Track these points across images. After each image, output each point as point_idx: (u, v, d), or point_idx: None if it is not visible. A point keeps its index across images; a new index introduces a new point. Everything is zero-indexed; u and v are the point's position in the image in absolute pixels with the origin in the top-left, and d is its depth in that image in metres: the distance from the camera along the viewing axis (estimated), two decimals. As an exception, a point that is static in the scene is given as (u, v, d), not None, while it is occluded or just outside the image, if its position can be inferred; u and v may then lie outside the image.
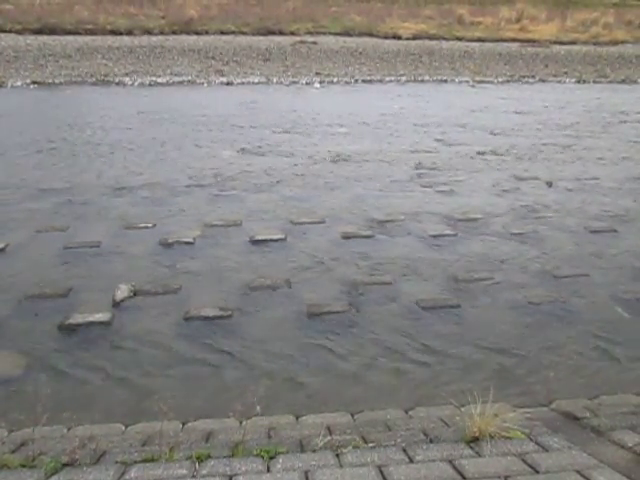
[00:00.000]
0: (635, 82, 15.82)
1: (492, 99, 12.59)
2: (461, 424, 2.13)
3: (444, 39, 22.09)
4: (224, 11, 22.07)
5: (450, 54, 20.39)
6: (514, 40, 22.28)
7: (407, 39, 21.68)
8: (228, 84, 14.35)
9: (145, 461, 1.94)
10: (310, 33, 21.56)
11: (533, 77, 16.68)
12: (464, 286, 3.72)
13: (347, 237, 4.51)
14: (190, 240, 4.38)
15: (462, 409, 2.38)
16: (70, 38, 18.66)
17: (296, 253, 4.19)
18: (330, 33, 21.70)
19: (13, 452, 2.08)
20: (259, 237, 4.46)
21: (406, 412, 2.45)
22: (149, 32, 20.31)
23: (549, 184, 6.11)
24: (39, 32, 18.79)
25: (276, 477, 1.84)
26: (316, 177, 6.25)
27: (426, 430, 2.16)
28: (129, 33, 20.06)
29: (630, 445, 2.04)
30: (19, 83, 12.64)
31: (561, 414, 2.39)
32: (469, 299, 3.55)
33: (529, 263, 4.10)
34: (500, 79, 16.15)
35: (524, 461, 1.94)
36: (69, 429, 2.35)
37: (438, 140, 8.25)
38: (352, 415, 2.43)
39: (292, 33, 21.40)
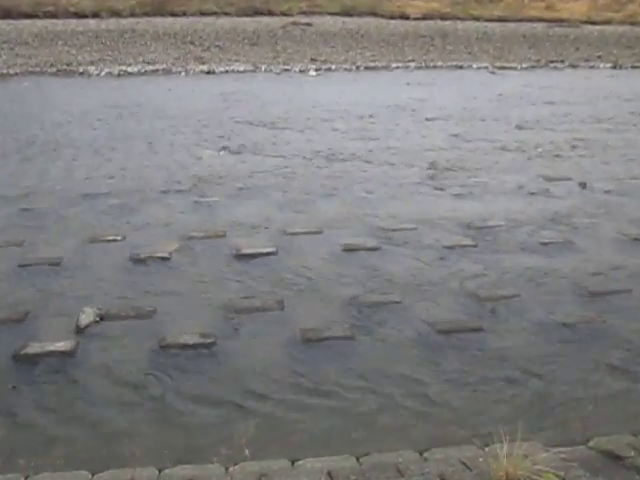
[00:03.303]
0: (680, 67, 15.97)
1: (515, 88, 12.68)
2: (485, 467, 2.12)
3: (459, 19, 22.32)
4: (204, -11, 22.31)
5: (466, 36, 20.58)
6: (540, 20, 22.53)
7: (416, 19, 21.90)
8: (209, 73, 14.44)
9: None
10: (304, 13, 21.77)
11: (562, 62, 16.82)
12: (486, 306, 3.71)
13: (349, 249, 4.52)
14: (166, 255, 4.37)
15: (486, 449, 2.37)
16: (27, 22, 18.81)
17: (289, 269, 4.19)
18: (327, 13, 21.91)
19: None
20: (246, 251, 4.45)
21: (420, 454, 2.44)
22: (118, 14, 20.49)
23: (583, 185, 6.14)
24: (-10, 15, 18.96)
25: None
26: (312, 180, 6.27)
27: (444, 475, 2.16)
28: (95, 15, 20.23)
29: (682, 490, 2.03)
30: (-33, 74, 12.72)
31: (601, 453, 2.38)
32: (492, 321, 3.55)
33: (561, 278, 4.11)
34: (524, 65, 16.29)
35: (559, 510, 1.93)
36: (26, 478, 2.34)
37: (453, 135, 8.29)
38: (357, 458, 2.42)
39: (283, 13, 21.61)
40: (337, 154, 7.27)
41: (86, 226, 4.95)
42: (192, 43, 18.85)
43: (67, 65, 14.46)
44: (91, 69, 14.11)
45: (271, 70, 14.83)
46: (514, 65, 16.12)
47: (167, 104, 10.43)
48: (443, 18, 21.75)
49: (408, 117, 9.59)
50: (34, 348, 3.20)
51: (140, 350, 3.23)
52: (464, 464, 2.28)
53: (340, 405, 2.82)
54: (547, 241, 4.71)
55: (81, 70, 14.04)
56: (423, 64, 16.03)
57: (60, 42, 18.16)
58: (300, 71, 14.83)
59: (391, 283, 4.00)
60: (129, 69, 14.28)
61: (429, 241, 4.70)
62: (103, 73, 13.93)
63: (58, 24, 18.80)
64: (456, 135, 8.31)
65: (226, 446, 2.49)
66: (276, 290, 3.88)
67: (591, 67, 16.32)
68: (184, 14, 20.85)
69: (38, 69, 14.01)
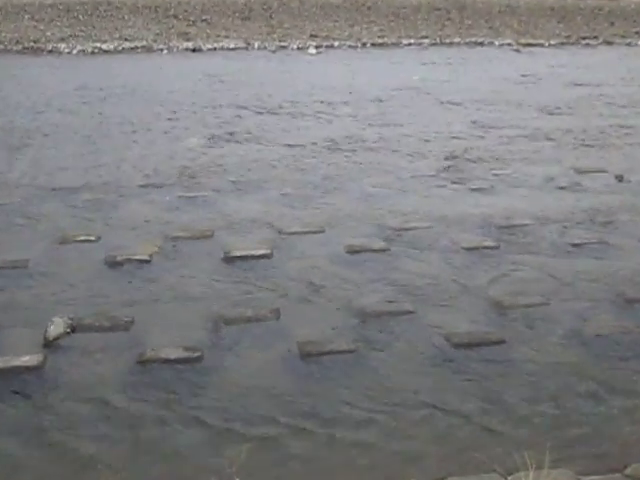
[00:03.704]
0: None
1: (543, 67, 12.68)
2: (508, 499, 2.12)
3: (479, -11, 22.31)
4: (190, -45, 22.31)
5: (487, 8, 20.58)
6: (570, -10, 22.51)
7: (430, -10, 21.89)
8: (195, 51, 14.44)
9: None
10: (303, -17, 21.77)
11: (595, 38, 16.82)
12: (510, 315, 3.72)
13: (353, 251, 4.52)
14: (145, 258, 4.37)
15: (509, 478, 2.36)
16: (-12, -7, 18.83)
17: (286, 274, 4.19)
18: (329, -18, 21.90)
19: None
20: (236, 253, 4.46)
21: (435, 484, 2.44)
22: (91, -16, 20.49)
23: (619, 178, 6.14)
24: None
25: None
26: (312, 172, 6.27)
27: (461, 508, 2.15)
28: (65, -14, 20.23)
29: None
30: None
31: (640, 484, 2.38)
32: (517, 332, 3.55)
33: (595, 283, 4.11)
34: (553, 41, 16.28)
35: None
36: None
37: (473, 122, 8.28)
38: (363, 489, 2.42)
39: (279, -17, 21.59)
40: (341, 143, 7.27)
41: (56, 225, 4.95)
42: (175, 17, 18.86)
43: (34, 42, 14.46)
44: (61, 47, 14.11)
45: (265, 47, 14.83)
46: (541, 42, 16.11)
47: (148, 86, 10.43)
48: (461, -12, 21.76)
49: (422, 101, 9.58)
50: (-4, 363, 3.20)
51: (116, 366, 3.22)
52: (484, 495, 2.28)
53: (342, 429, 2.82)
54: (579, 242, 4.71)
55: (50, 48, 14.03)
56: (438, 40, 16.02)
57: (27, 16, 18.17)
58: (298, 48, 14.83)
59: (401, 290, 4.00)
60: (104, 46, 14.28)
61: (445, 242, 4.70)
62: (75, 51, 13.93)
63: (24, -5, 18.84)
64: (476, 121, 8.30)
65: (214, 475, 2.49)
66: (271, 298, 3.88)
67: (628, 44, 16.32)
68: (167, -16, 20.89)
69: (1, 47, 14.02)
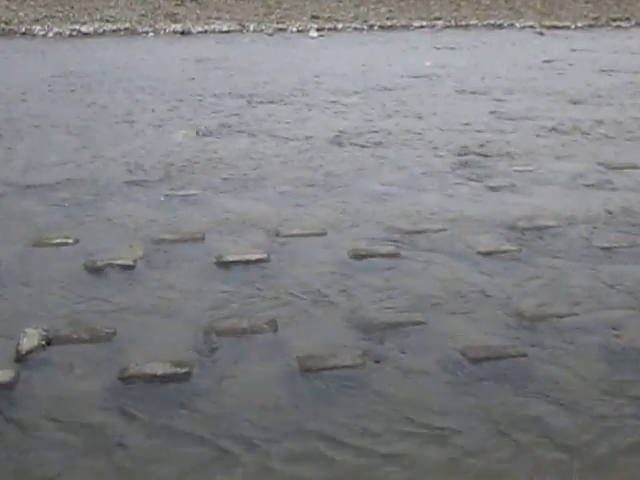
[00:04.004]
0: None
1: (569, 52, 12.69)
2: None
3: (497, -34, 22.30)
4: None
5: (506, -13, 20.55)
6: (599, -34, 22.48)
7: (444, -34, 21.88)
8: (184, 34, 14.48)
9: None
10: (303, -42, 21.78)
11: (627, 20, 16.82)
12: (532, 326, 3.70)
13: (359, 256, 4.51)
14: (129, 263, 4.37)
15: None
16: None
17: (284, 281, 4.18)
18: (332, -42, 21.92)
19: None
20: (229, 257, 4.45)
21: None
22: (70, -40, 20.51)
23: (654, 175, 6.13)
24: None
25: None
26: (314, 168, 6.27)
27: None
28: (41, -39, 20.24)
29: None
30: None
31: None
32: (540, 346, 3.53)
33: (628, 293, 4.09)
34: (580, 23, 16.30)
35: None
36: None
37: (492, 112, 8.29)
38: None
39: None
40: (346, 136, 7.28)
41: (30, 225, 4.95)
42: (163, -4, 18.88)
43: (6, 23, 14.49)
44: (36, 29, 14.14)
45: (262, 30, 14.85)
46: (567, 24, 16.13)
47: (132, 73, 10.45)
48: (477, -36, 21.76)
49: (435, 90, 9.58)
50: (-38, 380, 3.19)
51: (96, 382, 3.21)
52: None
53: (347, 455, 2.80)
54: (609, 245, 4.70)
55: (23, 30, 14.07)
56: (453, 23, 16.05)
57: (-2, -5, 18.20)
58: (298, 31, 14.85)
59: (412, 299, 3.98)
60: (83, 29, 14.31)
61: (461, 246, 4.69)
62: (51, 34, 13.96)
63: (-5, -28, 18.86)
64: (495, 112, 8.31)
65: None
66: (268, 307, 3.87)
67: (664, 26, 16.33)
68: (153, -41, 20.91)
69: (-31, 29, 14.06)
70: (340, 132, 7.39)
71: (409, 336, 3.60)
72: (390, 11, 17.30)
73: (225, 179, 5.96)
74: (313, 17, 16.10)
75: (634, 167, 6.33)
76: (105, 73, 10.38)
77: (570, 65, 11.45)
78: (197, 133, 7.38)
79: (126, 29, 14.47)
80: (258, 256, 4.47)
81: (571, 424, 2.95)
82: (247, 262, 4.40)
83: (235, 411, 3.03)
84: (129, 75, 10.30)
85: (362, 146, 6.96)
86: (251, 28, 14.93)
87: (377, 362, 3.38)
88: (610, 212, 5.30)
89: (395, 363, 3.38)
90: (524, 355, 3.43)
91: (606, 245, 4.70)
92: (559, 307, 3.89)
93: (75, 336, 3.56)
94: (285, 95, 9.13)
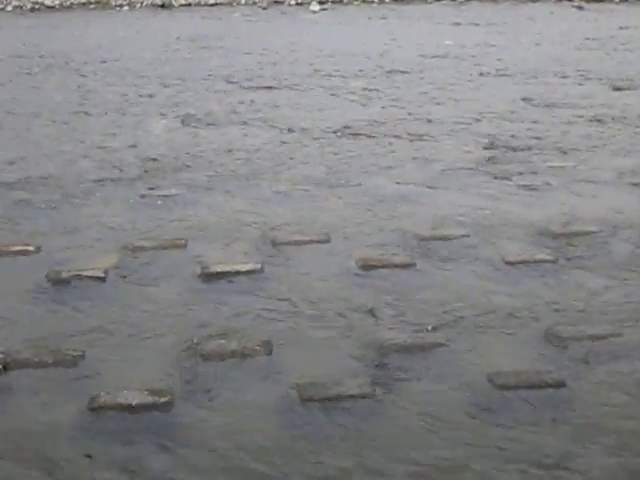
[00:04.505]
0: None
1: (612, 29, 12.69)
2: None
3: None
4: None
5: (541, -47, 20.55)
6: None
7: None
8: (164, 7, 14.52)
9: None
10: None
11: (683, -9, 16.81)
12: (571, 349, 3.70)
13: (368, 267, 4.51)
14: (99, 274, 4.38)
15: None
16: None
17: (280, 295, 4.18)
18: None
19: None
20: (217, 268, 4.46)
21: None
22: None
23: None
24: None
25: None
26: (316, 163, 6.29)
27: None
28: None
29: None
30: None
31: None
32: (580, 372, 3.53)
33: (681, 309, 4.09)
34: (626, -5, 16.29)
35: None
36: None
37: (523, 99, 8.30)
38: None
39: None
40: (353, 126, 7.29)
41: (-17, 231, 4.97)
42: (140, -37, 18.93)
43: (-43, -4, 14.54)
44: (-8, 1, 14.20)
45: (254, 3, 14.90)
46: (611, -5, 16.14)
47: (104, 53, 10.48)
48: None
49: (457, 72, 9.60)
50: None
51: (61, 414, 3.21)
52: None
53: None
54: (660, 255, 4.70)
55: (-22, 3, 14.12)
56: (478, -6, 16.07)
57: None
58: (297, 4, 14.89)
59: (430, 317, 3.98)
60: (47, 1, 14.37)
61: (486, 255, 4.69)
62: (10, 7, 14.01)
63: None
64: (527, 98, 8.32)
65: None
66: (261, 326, 3.87)
67: None
68: None
69: None
70: (347, 122, 7.40)
71: (427, 360, 3.60)
72: (405, -19, 17.34)
73: (212, 176, 5.98)
74: (315, -12, 16.14)
75: (689, 163, 6.35)
76: (71, 53, 10.41)
77: (613, 45, 11.46)
78: (182, 123, 7.39)
79: (97, 2, 14.53)
80: (250, 267, 4.48)
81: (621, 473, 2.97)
82: (237, 274, 4.40)
83: (223, 449, 3.02)
84: (101, 56, 10.33)
85: (371, 137, 6.97)
86: (242, 1, 14.98)
87: (389, 391, 3.38)
88: (661, 216, 5.31)
89: (410, 392, 3.38)
90: (562, 384, 3.42)
91: (656, 254, 4.72)
92: (601, 327, 3.89)
93: (37, 360, 3.55)
94: (283, 79, 9.15)
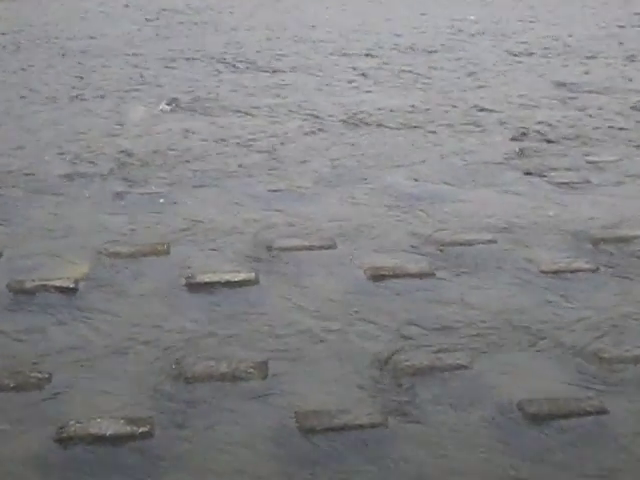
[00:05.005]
0: None
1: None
2: None
3: None
4: None
5: None
6: None
7: None
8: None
9: None
10: None
11: None
12: (614, 372, 3.72)
13: (379, 276, 4.54)
14: (69, 284, 4.40)
15: None
16: None
17: (277, 309, 4.20)
18: None
19: None
20: (203, 278, 4.49)
21: None
22: None
23: None
24: None
25: None
26: (318, 157, 6.32)
27: None
28: None
29: None
30: None
31: None
32: (625, 397, 3.54)
33: None
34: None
35: None
36: None
37: (557, 84, 8.30)
38: None
39: None
40: (359, 113, 7.31)
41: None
42: None
43: None
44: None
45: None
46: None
47: (65, 31, 10.47)
48: None
49: (482, 52, 9.61)
50: None
51: (24, 446, 3.21)
52: None
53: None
54: None
55: None
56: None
57: None
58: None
59: (451, 334, 4.01)
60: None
61: (516, 263, 4.71)
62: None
63: None
64: (562, 83, 8.33)
65: None
66: (255, 346, 3.89)
67: None
68: None
69: None
70: (352, 109, 7.40)
71: (447, 384, 3.62)
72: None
73: (197, 172, 6.00)
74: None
75: None
76: (40, 29, 10.42)
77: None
78: (160, 111, 7.40)
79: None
80: (243, 276, 4.50)
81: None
82: (227, 284, 4.43)
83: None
84: (62, 33, 10.34)
85: (382, 127, 6.98)
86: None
87: (403, 420, 3.40)
88: None
89: (427, 420, 3.38)
90: (603, 412, 3.43)
91: None
92: (647, 346, 3.93)
93: (-4, 383, 3.58)
94: (278, 58, 9.15)
